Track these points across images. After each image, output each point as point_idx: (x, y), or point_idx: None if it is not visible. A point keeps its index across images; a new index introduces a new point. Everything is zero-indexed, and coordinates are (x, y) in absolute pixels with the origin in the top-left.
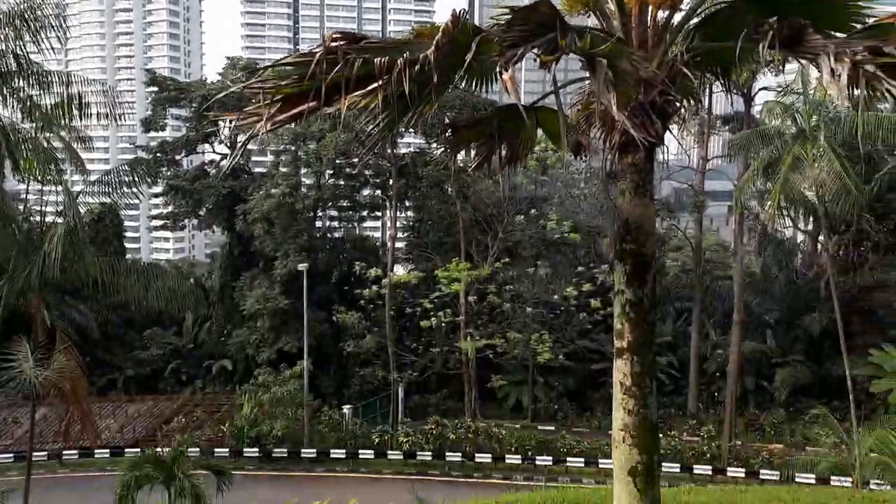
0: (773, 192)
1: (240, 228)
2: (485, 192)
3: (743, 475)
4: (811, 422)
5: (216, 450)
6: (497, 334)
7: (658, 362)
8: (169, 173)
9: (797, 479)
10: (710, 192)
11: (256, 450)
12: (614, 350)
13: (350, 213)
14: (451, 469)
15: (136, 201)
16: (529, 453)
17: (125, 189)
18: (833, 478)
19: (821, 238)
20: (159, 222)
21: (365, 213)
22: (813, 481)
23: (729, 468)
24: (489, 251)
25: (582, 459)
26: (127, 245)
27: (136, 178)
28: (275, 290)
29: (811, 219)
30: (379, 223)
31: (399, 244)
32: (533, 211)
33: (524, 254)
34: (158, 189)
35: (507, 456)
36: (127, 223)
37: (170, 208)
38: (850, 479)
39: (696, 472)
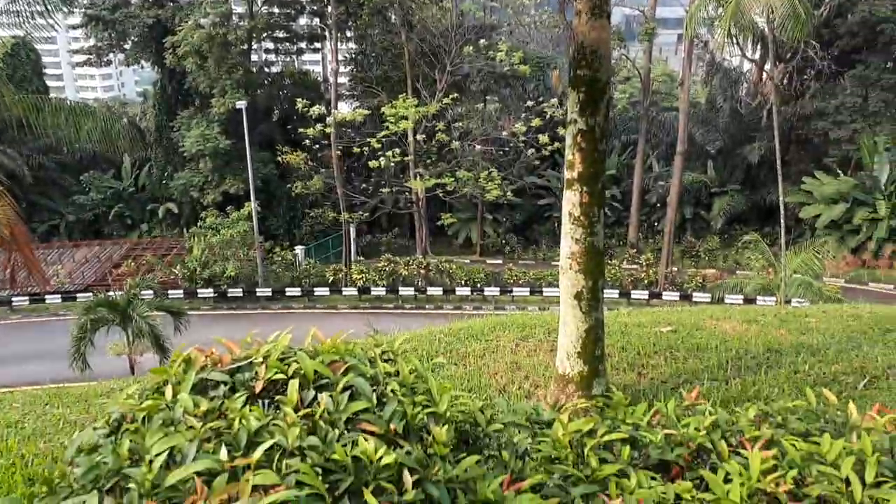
0: (723, 17)
1: (170, 63)
2: (431, 20)
3: (677, 298)
4: (744, 247)
5: (170, 292)
6: (446, 173)
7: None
8: (86, 1)
9: (726, 300)
10: (660, 19)
11: (211, 290)
12: (565, 181)
13: (287, 45)
14: (405, 302)
15: (53, 34)
16: (478, 285)
17: (37, 20)
18: (759, 298)
19: (767, 66)
20: (82, 57)
21: (303, 46)
22: (741, 301)
23: (664, 292)
24: (437, 86)
25: (527, 289)
26: (49, 83)
27: (48, 7)
28: (214, 129)
29: (759, 46)
30: (319, 56)
31: (342, 79)
32: (482, 41)
33: (473, 88)
34: (76, 20)
35: (457, 288)
36: (46, 59)
37: (91, 41)
38: (774, 298)
39: (633, 297)
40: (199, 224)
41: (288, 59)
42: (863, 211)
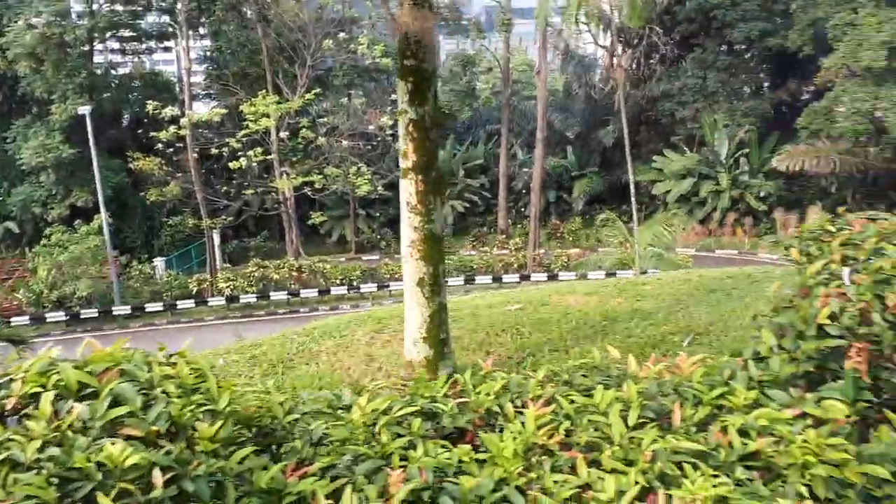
0: (569, 6)
1: (0, 68)
2: (288, 14)
3: (545, 279)
4: (602, 225)
5: (13, 319)
6: (314, 170)
7: (471, 185)
8: None
9: (590, 277)
10: (518, 9)
11: (62, 313)
12: (400, 171)
13: (135, 44)
14: (277, 307)
15: None
16: (355, 283)
17: None
18: (619, 272)
19: (617, 52)
20: None
21: (153, 45)
22: (603, 276)
23: (533, 274)
24: (298, 81)
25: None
26: None
27: None
28: (55, 138)
29: (609, 34)
30: (172, 55)
31: (196, 78)
32: (342, 35)
33: (336, 83)
34: None
35: (332, 288)
36: None
37: None
38: (632, 271)
39: (505, 281)
40: (43, 242)
41: (137, 59)
42: (707, 184)
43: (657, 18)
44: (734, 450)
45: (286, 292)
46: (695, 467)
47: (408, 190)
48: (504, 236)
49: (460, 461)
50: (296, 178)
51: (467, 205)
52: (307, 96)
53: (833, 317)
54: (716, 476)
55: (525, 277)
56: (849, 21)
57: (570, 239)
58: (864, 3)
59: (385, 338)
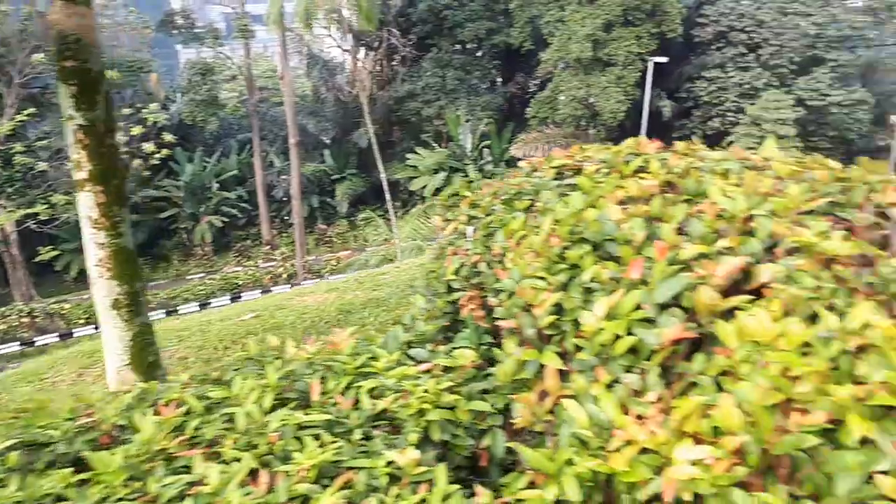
0: (300, 8)
1: None
2: None
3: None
4: (365, 225)
5: None
6: (38, 200)
7: (228, 197)
8: None
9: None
10: (259, 16)
11: None
12: (75, 183)
13: None
14: (10, 361)
15: None
16: None
17: None
18: (386, 267)
19: (360, 55)
20: None
21: None
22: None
23: (304, 282)
24: (6, 102)
25: (162, 311)
26: None
27: None
28: None
29: (350, 37)
30: None
31: None
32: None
33: (56, 101)
34: None
35: (76, 330)
36: None
37: None
38: (395, 265)
39: (275, 292)
40: None
41: None
42: (458, 176)
43: (393, 21)
44: (363, 412)
45: (19, 343)
46: (317, 437)
47: (87, 204)
48: (269, 247)
49: (67, 487)
50: (14, 211)
51: (226, 219)
52: (18, 118)
53: (457, 272)
54: (335, 442)
55: (296, 286)
56: (558, 18)
57: (339, 242)
58: (570, 1)
59: (96, 372)
